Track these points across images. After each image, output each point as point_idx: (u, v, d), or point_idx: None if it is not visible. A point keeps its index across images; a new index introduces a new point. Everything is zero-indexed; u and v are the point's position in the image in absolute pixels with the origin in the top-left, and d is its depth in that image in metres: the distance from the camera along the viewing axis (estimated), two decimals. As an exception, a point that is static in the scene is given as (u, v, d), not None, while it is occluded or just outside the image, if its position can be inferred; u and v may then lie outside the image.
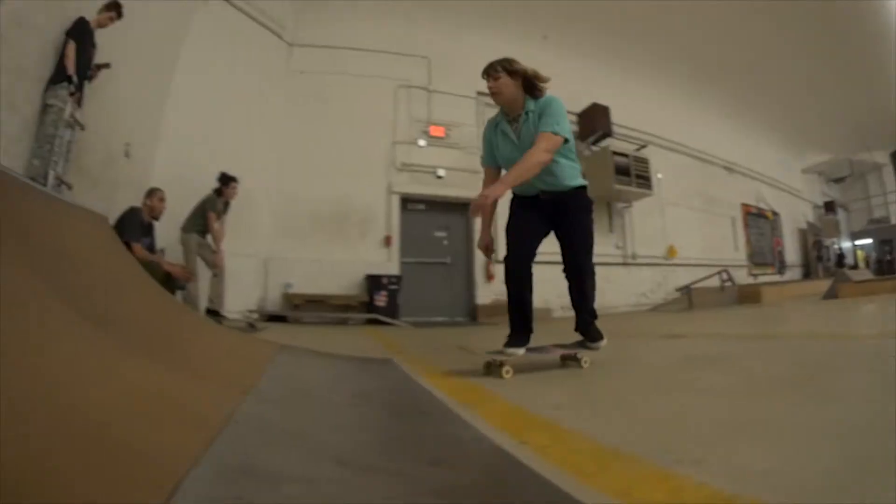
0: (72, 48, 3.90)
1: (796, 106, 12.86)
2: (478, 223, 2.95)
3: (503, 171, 2.54)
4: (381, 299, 7.10)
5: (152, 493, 0.75)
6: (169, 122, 5.91)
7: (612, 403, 1.75)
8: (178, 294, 5.20)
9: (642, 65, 10.49)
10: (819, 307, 6.45)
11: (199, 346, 2.58)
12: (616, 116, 9.47)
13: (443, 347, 4.22)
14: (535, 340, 2.53)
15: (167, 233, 5.34)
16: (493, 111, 2.66)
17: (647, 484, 0.95)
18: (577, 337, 2.67)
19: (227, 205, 5.88)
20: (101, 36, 4.25)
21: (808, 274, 15.13)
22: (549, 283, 8.14)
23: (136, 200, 5.04)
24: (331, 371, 2.68)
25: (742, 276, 11.73)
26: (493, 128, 2.61)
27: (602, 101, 9.33)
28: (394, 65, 7.40)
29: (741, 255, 12.63)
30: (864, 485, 0.88)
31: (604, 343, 2.65)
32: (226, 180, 5.85)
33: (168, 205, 5.18)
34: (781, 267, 14.27)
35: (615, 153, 9.18)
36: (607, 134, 9.28)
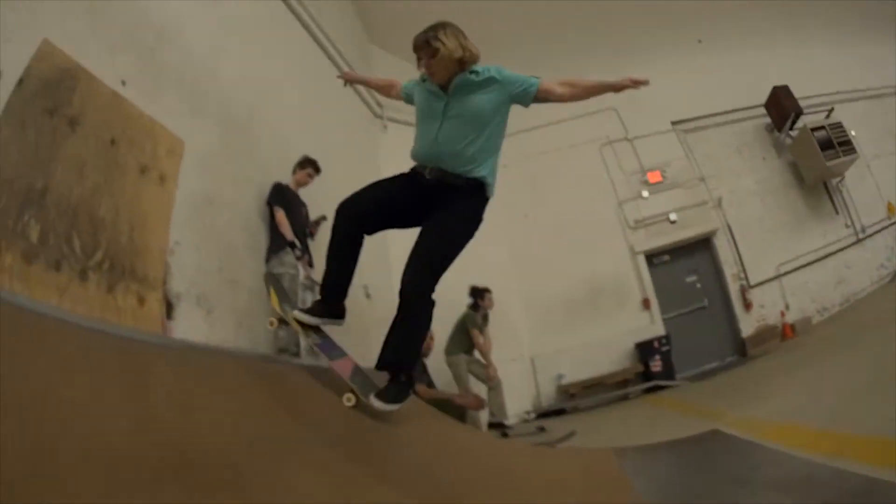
0: (281, 214, 3.86)
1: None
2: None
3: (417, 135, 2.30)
4: (656, 364, 6.75)
5: None
6: (396, 253, 6.01)
7: None
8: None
9: (790, 24, 9.63)
10: None
11: (549, 476, 2.27)
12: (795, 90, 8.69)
13: (745, 398, 3.66)
14: None
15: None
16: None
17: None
18: None
19: (485, 317, 5.81)
20: (306, 193, 4.22)
21: None
22: (804, 288, 7.35)
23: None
24: (689, 467, 2.23)
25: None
26: (422, 77, 2.34)
27: (776, 82, 8.60)
28: (588, 126, 7.23)
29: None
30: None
31: (390, 409, 2.03)
32: (479, 293, 5.79)
33: None
34: None
35: (812, 129, 8.37)
36: (799, 113, 8.48)
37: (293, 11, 5.29)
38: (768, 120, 8.39)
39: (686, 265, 7.28)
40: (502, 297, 6.42)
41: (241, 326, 3.46)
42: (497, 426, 5.40)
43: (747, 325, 7.27)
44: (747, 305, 7.27)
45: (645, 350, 6.72)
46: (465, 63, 2.21)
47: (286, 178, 4.16)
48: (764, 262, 7.32)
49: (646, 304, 6.96)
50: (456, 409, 4.65)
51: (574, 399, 6.76)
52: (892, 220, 9.75)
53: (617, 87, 2.32)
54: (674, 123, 7.36)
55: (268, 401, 1.90)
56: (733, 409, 3.19)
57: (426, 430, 2.55)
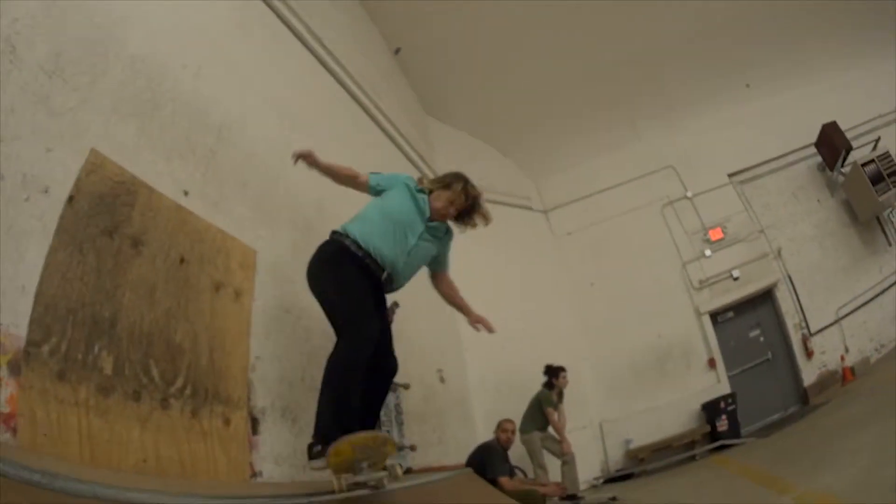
0: None
1: None
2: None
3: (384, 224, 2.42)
4: (722, 424, 6.72)
5: None
6: (465, 333, 5.96)
7: None
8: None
9: (831, 53, 9.44)
10: None
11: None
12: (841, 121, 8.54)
13: (807, 463, 3.69)
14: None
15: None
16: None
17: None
18: None
19: (560, 394, 5.85)
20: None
21: None
22: (862, 328, 7.25)
23: (465, 424, 5.10)
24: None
25: None
26: (414, 191, 2.52)
27: (823, 117, 8.46)
28: (647, 188, 7.20)
29: None
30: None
31: (318, 466, 2.03)
32: (554, 372, 5.82)
33: (491, 408, 5.12)
34: None
35: (862, 165, 8.25)
36: (849, 150, 8.35)
37: (352, 94, 5.17)
38: (819, 159, 8.26)
39: (749, 320, 7.22)
40: (570, 365, 6.40)
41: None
42: (570, 498, 5.43)
43: (809, 374, 7.22)
44: (809, 354, 7.22)
45: (711, 410, 6.68)
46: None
47: None
48: (824, 307, 7.26)
49: (711, 363, 6.92)
50: (538, 499, 4.67)
51: (642, 463, 6.76)
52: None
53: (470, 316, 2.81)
54: (730, 175, 7.28)
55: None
56: (800, 477, 3.24)
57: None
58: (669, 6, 6.93)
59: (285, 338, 3.27)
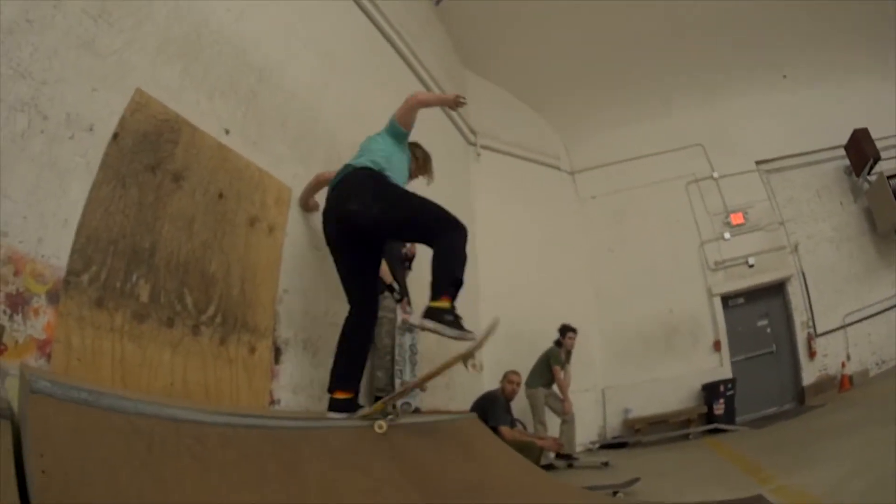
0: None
1: None
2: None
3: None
4: (719, 408, 6.77)
5: None
6: (481, 283, 5.97)
7: None
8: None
9: (872, 56, 9.33)
10: None
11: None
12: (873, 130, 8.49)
13: (794, 460, 3.76)
14: None
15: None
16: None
17: None
18: None
19: (568, 354, 5.93)
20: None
21: None
22: (866, 340, 7.28)
23: (472, 378, 5.07)
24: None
25: None
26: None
27: (856, 120, 8.40)
28: (674, 163, 7.13)
29: None
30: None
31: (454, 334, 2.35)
32: (565, 331, 5.88)
33: (500, 357, 5.14)
34: None
35: (889, 177, 8.22)
36: (877, 159, 8.31)
37: (390, 41, 5.17)
38: (847, 162, 8.22)
39: (759, 309, 7.23)
40: (581, 326, 6.45)
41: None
42: (565, 457, 5.48)
43: (809, 374, 7.25)
44: (811, 354, 7.25)
45: (710, 392, 6.72)
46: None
47: None
48: (832, 311, 7.27)
49: (716, 345, 6.95)
50: (535, 450, 4.71)
51: (638, 434, 6.82)
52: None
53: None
54: (758, 163, 7.22)
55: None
56: (781, 471, 3.33)
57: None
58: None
59: (312, 273, 3.37)
